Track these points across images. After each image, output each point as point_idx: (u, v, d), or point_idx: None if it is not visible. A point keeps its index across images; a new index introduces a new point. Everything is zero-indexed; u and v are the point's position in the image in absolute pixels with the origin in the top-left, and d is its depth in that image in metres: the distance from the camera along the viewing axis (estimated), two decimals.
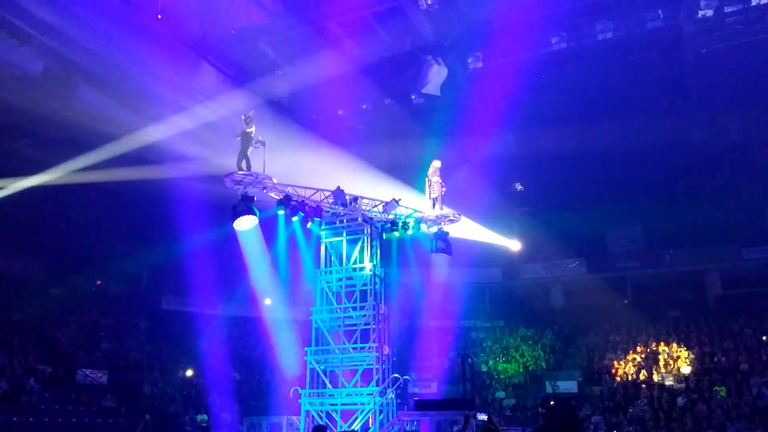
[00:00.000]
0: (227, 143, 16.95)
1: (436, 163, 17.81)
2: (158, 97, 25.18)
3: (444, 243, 17.83)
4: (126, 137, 23.82)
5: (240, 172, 15.87)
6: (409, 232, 17.73)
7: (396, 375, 17.36)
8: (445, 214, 17.82)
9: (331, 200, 17.23)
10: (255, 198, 16.19)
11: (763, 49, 24.55)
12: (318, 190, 17.13)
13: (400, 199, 17.48)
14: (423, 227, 17.98)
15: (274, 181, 16.21)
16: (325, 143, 25.31)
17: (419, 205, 18.18)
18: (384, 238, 18.09)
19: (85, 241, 30.35)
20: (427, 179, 17.80)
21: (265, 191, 16.34)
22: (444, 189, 17.70)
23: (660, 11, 24.05)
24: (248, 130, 15.81)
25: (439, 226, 17.94)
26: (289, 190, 16.70)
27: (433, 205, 17.69)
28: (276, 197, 16.53)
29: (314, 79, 25.75)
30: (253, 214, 15.98)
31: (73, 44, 22.42)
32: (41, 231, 28.48)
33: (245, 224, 16.41)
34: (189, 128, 24.29)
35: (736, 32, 24.04)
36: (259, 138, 15.91)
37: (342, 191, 16.85)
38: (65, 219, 29.48)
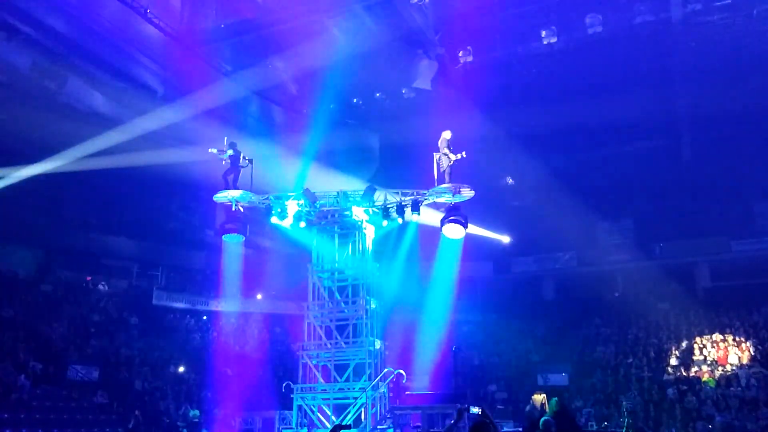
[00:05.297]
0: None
1: (446, 134, 16.37)
2: (148, 90, 25.08)
3: (458, 216, 16.38)
4: (115, 130, 23.73)
5: (223, 193, 16.94)
6: (414, 217, 16.58)
7: (388, 369, 17.42)
8: (454, 188, 16.26)
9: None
10: (241, 217, 17.30)
11: (752, 40, 24.66)
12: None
13: (374, 186, 17.36)
14: (428, 212, 17.11)
15: (252, 197, 17.13)
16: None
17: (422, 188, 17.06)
18: (384, 227, 17.71)
19: (75, 236, 30.16)
20: (436, 154, 16.41)
21: (250, 203, 17.32)
22: (453, 160, 16.07)
23: (649, 4, 24.11)
24: (230, 156, 16.75)
25: (450, 201, 16.55)
26: (271, 198, 17.44)
27: (442, 179, 16.33)
28: (261, 207, 17.38)
29: (304, 73, 25.71)
30: (239, 232, 17.29)
31: (62, 38, 22.26)
32: (31, 226, 28.22)
33: (233, 239, 17.81)
34: (179, 121, 24.21)
35: (725, 24, 24.17)
36: (245, 157, 16.93)
37: (309, 191, 17.17)
38: (55, 214, 29.26)
